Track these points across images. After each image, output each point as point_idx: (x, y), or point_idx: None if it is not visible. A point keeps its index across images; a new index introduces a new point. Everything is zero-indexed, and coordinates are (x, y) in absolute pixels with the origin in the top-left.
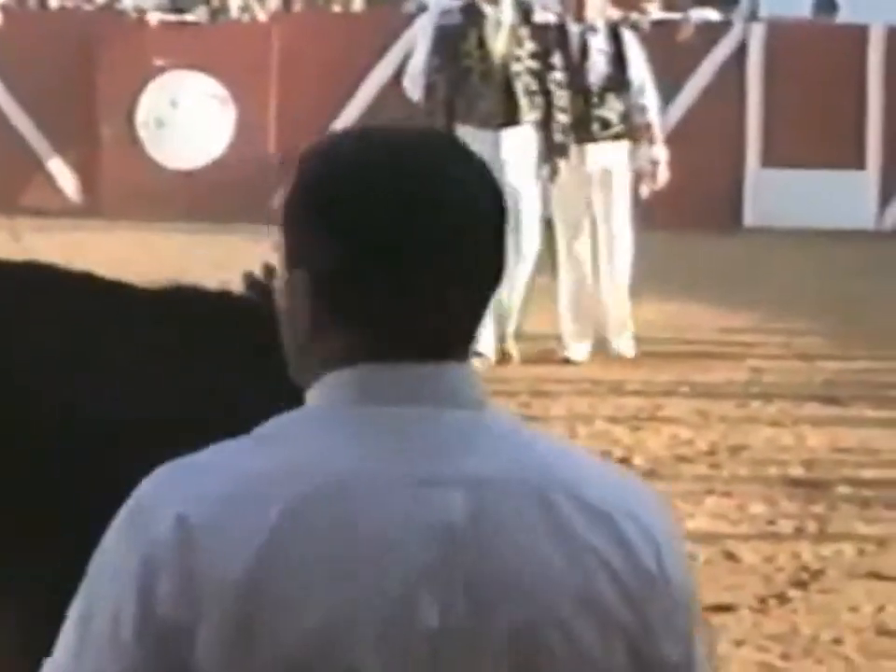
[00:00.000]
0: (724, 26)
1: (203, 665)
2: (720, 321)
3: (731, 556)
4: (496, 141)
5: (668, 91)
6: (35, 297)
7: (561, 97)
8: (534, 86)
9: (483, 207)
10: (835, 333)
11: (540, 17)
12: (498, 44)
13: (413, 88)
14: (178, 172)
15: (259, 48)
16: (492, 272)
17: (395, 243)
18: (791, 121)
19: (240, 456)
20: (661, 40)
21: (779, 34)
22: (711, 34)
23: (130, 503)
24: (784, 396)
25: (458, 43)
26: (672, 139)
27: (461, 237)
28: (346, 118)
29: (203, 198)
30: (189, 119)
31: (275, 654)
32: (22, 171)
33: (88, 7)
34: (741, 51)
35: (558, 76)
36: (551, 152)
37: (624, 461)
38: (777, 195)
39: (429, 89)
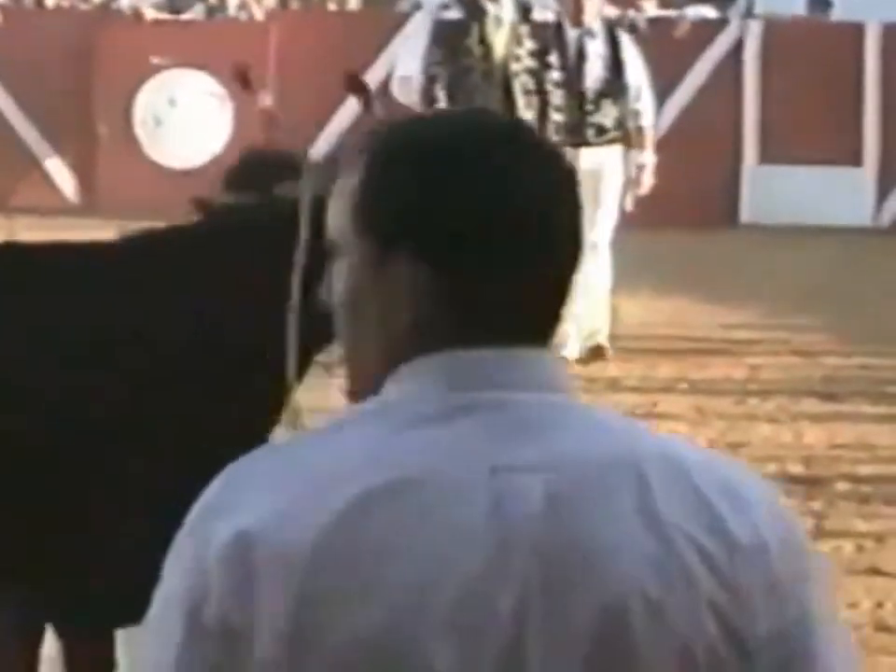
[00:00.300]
0: (721, 23)
1: (264, 664)
2: (717, 318)
3: None
4: None
5: (665, 88)
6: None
7: (557, 96)
8: (531, 85)
9: (562, 191)
10: (833, 329)
11: (539, 15)
12: (500, 42)
13: (407, 90)
14: (176, 170)
15: (256, 46)
16: (574, 256)
17: (487, 224)
18: (787, 118)
19: (312, 450)
20: (657, 38)
21: (776, 31)
22: (708, 31)
23: (199, 503)
24: (782, 392)
25: (459, 39)
26: (669, 136)
27: (547, 220)
28: (343, 115)
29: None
30: (186, 118)
31: (338, 645)
32: (19, 169)
33: (84, 6)
34: (738, 49)
35: (555, 75)
36: None
37: None
38: (774, 192)
39: (429, 80)
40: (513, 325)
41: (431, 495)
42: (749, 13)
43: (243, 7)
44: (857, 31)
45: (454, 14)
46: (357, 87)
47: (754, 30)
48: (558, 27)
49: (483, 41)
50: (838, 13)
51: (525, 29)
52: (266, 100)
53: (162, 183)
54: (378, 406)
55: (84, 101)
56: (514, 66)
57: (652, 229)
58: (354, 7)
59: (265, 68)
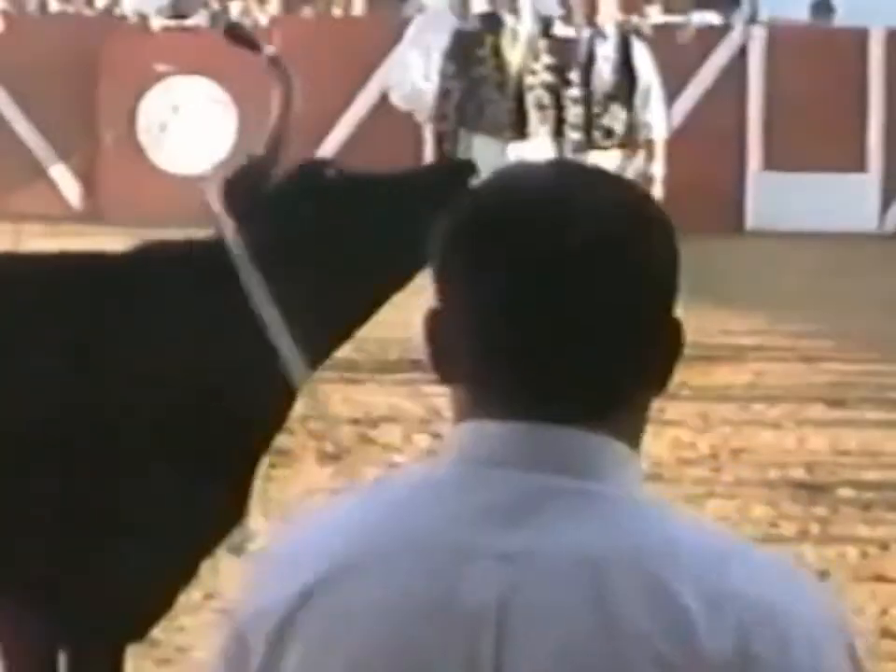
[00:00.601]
0: (725, 29)
1: None
2: (722, 324)
3: None
4: (503, 152)
5: (669, 94)
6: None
7: (576, 114)
8: (546, 100)
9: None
10: (837, 336)
11: (560, 31)
12: (515, 55)
13: (410, 99)
14: (180, 177)
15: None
16: (635, 332)
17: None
18: (792, 124)
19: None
20: (661, 43)
21: (780, 37)
22: (712, 37)
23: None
24: (786, 398)
25: (474, 49)
26: (673, 142)
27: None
28: (348, 121)
29: (204, 203)
30: (190, 124)
31: None
32: (24, 176)
33: (89, 13)
34: (742, 54)
35: (575, 92)
36: None
37: None
38: (779, 198)
39: (443, 94)
40: (545, 401)
41: (393, 567)
42: (752, 19)
43: (246, 13)
44: (861, 36)
45: (473, 25)
46: (240, 39)
47: (758, 36)
48: (577, 41)
49: (498, 53)
50: (841, 18)
51: (543, 43)
52: (270, 49)
53: (167, 189)
54: (409, 471)
55: (88, 108)
56: (529, 80)
57: None
58: (358, 12)
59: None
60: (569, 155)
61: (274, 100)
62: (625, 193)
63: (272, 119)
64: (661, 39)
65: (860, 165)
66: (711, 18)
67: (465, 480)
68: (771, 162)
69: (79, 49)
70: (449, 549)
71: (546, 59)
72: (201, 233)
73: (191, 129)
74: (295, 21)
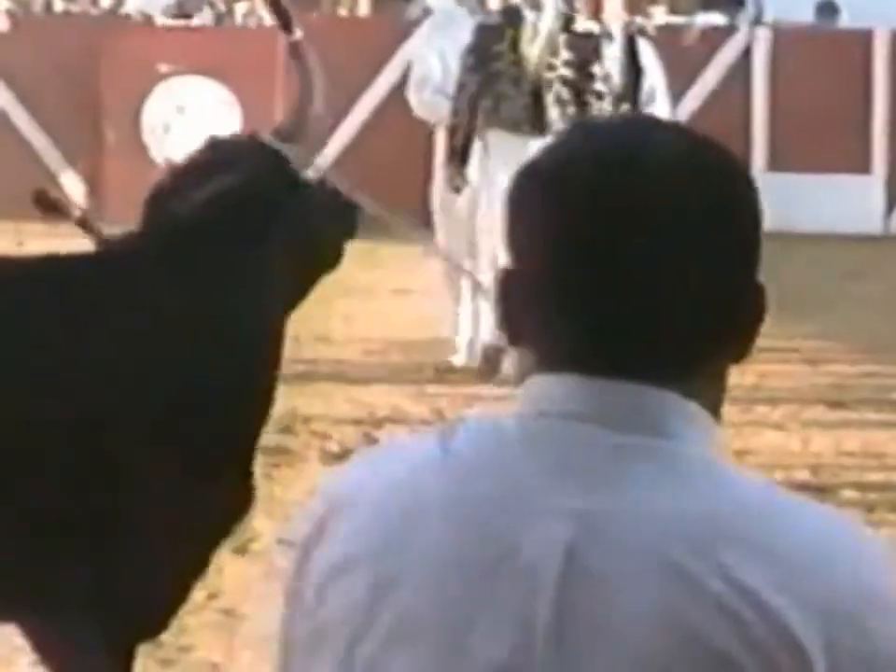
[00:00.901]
0: (729, 30)
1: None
2: None
3: None
4: (523, 148)
5: (673, 95)
6: None
7: (599, 107)
8: (566, 95)
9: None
10: (841, 337)
11: (582, 26)
12: (533, 50)
13: (425, 101)
14: None
15: (265, 52)
16: (718, 292)
17: (613, 229)
18: (796, 126)
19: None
20: (666, 44)
21: (785, 38)
22: (716, 38)
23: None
24: (789, 400)
25: (493, 44)
26: None
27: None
28: (353, 121)
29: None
30: (195, 125)
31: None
32: (28, 176)
33: (94, 12)
34: (746, 56)
35: (599, 86)
36: None
37: None
38: (783, 199)
39: (459, 88)
40: (619, 357)
41: (452, 516)
42: (757, 20)
43: (251, 13)
44: (866, 38)
45: (493, 20)
46: (277, 10)
47: (763, 37)
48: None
49: (516, 47)
50: (846, 20)
51: (563, 38)
52: (297, 34)
53: None
54: (482, 421)
55: (93, 107)
56: (548, 75)
57: None
58: (363, 13)
59: (274, 75)
60: None
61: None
62: (709, 146)
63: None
64: (665, 40)
65: (864, 167)
66: (716, 19)
67: (534, 434)
68: (775, 163)
69: (84, 49)
70: (514, 503)
71: (566, 54)
72: None
73: (196, 129)
74: (301, 22)
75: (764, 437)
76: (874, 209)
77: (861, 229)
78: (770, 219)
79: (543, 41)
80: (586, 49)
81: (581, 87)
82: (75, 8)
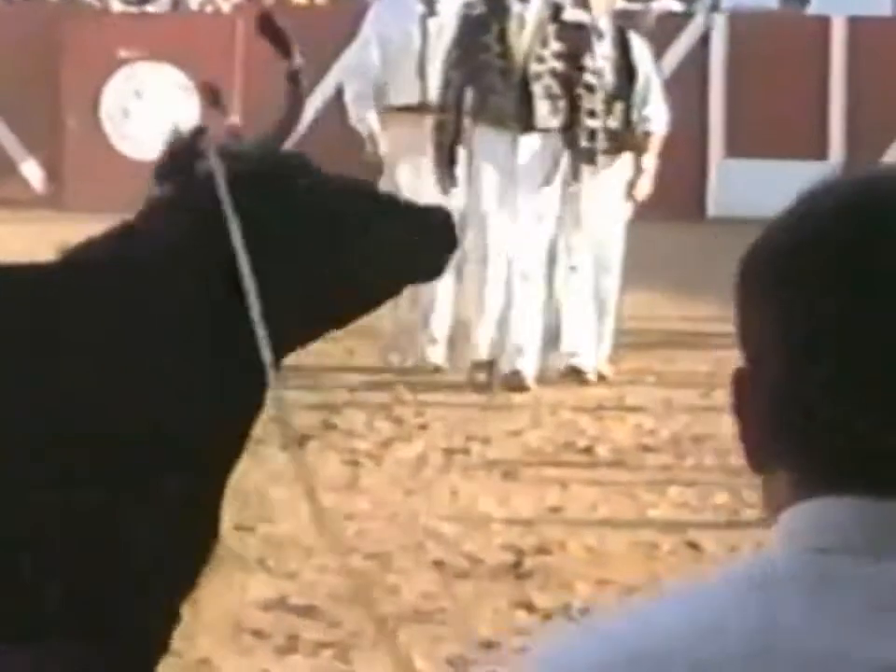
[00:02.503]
0: (686, 17)
1: None
2: (684, 310)
3: (694, 546)
4: (513, 145)
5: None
6: None
7: (590, 100)
8: (556, 89)
9: None
10: None
11: (571, 16)
12: (522, 41)
13: (357, 118)
14: (143, 163)
15: (223, 39)
16: None
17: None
18: (753, 112)
19: (649, 616)
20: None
21: (741, 24)
22: (674, 24)
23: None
24: None
25: (479, 36)
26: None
27: None
28: (309, 108)
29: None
30: (153, 110)
31: None
32: None
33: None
34: (703, 42)
35: (589, 78)
36: (575, 158)
37: (589, 450)
38: (741, 185)
39: (445, 84)
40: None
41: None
42: (714, 7)
43: (209, 1)
44: (823, 25)
45: (478, 10)
46: (272, 34)
47: (720, 23)
48: (591, 27)
49: (503, 39)
50: (813, 10)
51: (552, 29)
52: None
53: (130, 175)
54: (748, 562)
55: (51, 93)
56: (536, 67)
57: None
58: (321, 1)
59: (232, 61)
60: (584, 144)
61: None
62: None
63: (268, 131)
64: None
65: (821, 153)
66: (673, 5)
67: (818, 573)
68: (733, 150)
69: (42, 35)
70: (817, 656)
71: (556, 45)
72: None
73: (154, 115)
74: (258, 9)
75: (723, 422)
76: None
77: None
78: (727, 205)
79: (531, 32)
80: (576, 40)
81: (572, 79)
82: None
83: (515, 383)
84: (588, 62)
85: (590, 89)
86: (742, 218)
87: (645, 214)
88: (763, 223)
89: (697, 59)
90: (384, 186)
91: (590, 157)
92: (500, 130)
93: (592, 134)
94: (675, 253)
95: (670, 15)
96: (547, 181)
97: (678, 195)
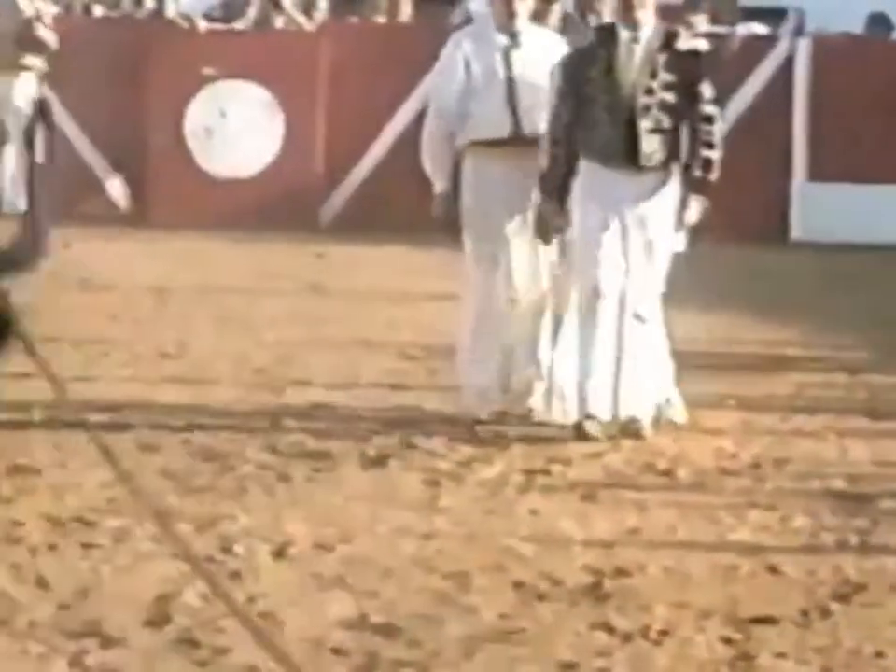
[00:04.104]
0: (771, 41)
1: None
2: (764, 334)
3: (773, 569)
4: (619, 182)
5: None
6: None
7: (708, 132)
8: (666, 122)
9: None
10: (880, 347)
11: (685, 44)
12: (629, 73)
13: (435, 139)
14: (226, 181)
15: (307, 57)
16: None
17: None
18: (837, 136)
19: None
20: (707, 54)
21: (825, 48)
22: (758, 48)
23: None
24: (828, 409)
25: (585, 67)
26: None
27: None
28: (394, 127)
29: (250, 207)
30: (237, 129)
31: None
32: (73, 180)
33: (137, 16)
34: (788, 66)
35: (708, 109)
36: (685, 189)
37: (668, 473)
38: (824, 209)
39: (555, 117)
40: None
41: None
42: (799, 31)
43: (291, 19)
44: None
45: (586, 40)
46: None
47: (804, 47)
48: (706, 54)
49: (610, 70)
50: None
51: (662, 58)
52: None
53: (213, 193)
54: None
55: (136, 111)
56: (644, 100)
57: (702, 244)
58: (405, 18)
59: (316, 79)
60: (697, 173)
61: None
62: None
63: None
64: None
65: None
66: (758, 29)
67: None
68: (816, 173)
69: (127, 52)
70: None
71: (666, 76)
72: (242, 237)
73: (238, 133)
74: (342, 27)
75: (802, 445)
76: None
77: None
78: (811, 228)
79: (639, 63)
80: (690, 69)
81: (683, 110)
82: (116, 13)
83: (633, 431)
84: (705, 90)
85: (708, 120)
86: (824, 243)
87: (728, 237)
88: (845, 247)
89: (781, 83)
90: (472, 225)
91: (702, 187)
92: (606, 166)
93: (707, 165)
94: (756, 276)
95: (754, 38)
96: (656, 215)
97: (760, 218)
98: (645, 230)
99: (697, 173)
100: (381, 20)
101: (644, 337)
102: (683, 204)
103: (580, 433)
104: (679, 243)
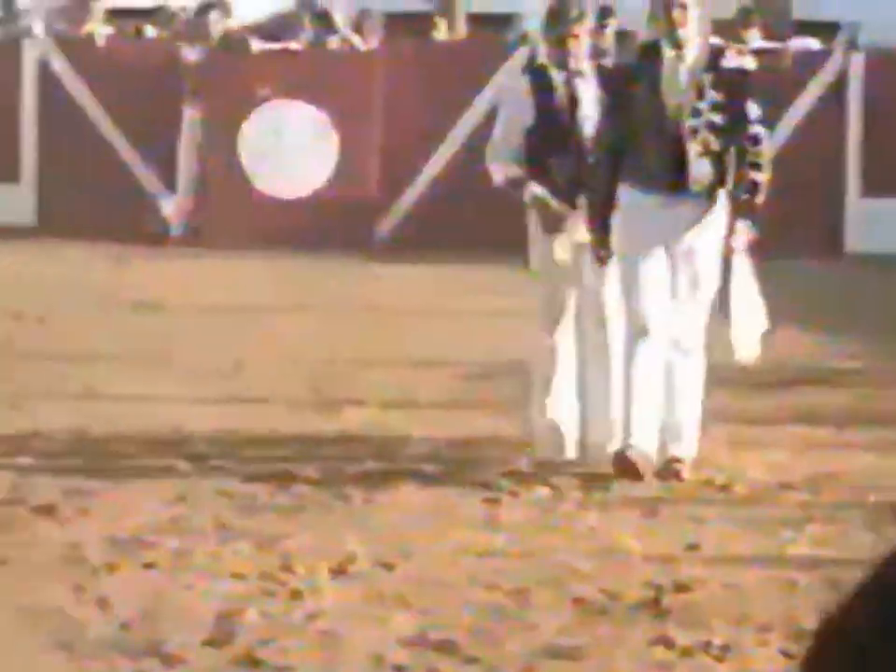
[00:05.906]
0: (824, 55)
1: None
2: (821, 347)
3: (833, 583)
4: (666, 212)
5: (768, 119)
6: None
7: (755, 154)
8: (716, 145)
9: None
10: None
11: (731, 62)
12: (675, 93)
13: (499, 165)
14: (281, 201)
15: (361, 76)
16: None
17: None
18: (891, 150)
19: None
20: (761, 69)
21: (880, 62)
22: (812, 63)
23: None
24: (885, 422)
25: (629, 87)
26: (773, 167)
27: None
28: (449, 146)
29: (305, 227)
30: (292, 149)
31: None
32: (128, 200)
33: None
34: (841, 80)
35: (755, 129)
36: (733, 213)
37: (726, 488)
38: (878, 223)
39: (598, 139)
40: None
41: None
42: (852, 45)
43: (344, 38)
44: None
45: (630, 58)
46: None
47: (857, 61)
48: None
49: (656, 90)
50: None
51: (708, 77)
52: None
53: (268, 213)
54: None
55: (191, 132)
56: (692, 122)
57: (755, 258)
58: (460, 37)
59: (371, 99)
60: (744, 196)
61: None
62: None
63: None
64: (760, 65)
65: None
66: (811, 44)
67: None
68: (870, 187)
69: (181, 74)
70: None
71: (713, 95)
72: (297, 257)
73: (293, 153)
74: (396, 46)
75: (859, 458)
76: None
77: None
78: (865, 241)
79: (685, 83)
80: (738, 88)
81: (732, 131)
82: (167, 34)
83: (674, 471)
84: (752, 110)
85: (755, 141)
86: (879, 256)
87: (781, 250)
88: None
89: (835, 97)
90: (539, 258)
91: (750, 211)
92: (649, 193)
93: (754, 187)
94: (811, 290)
95: (808, 53)
96: (703, 247)
97: (815, 232)
98: (692, 263)
99: (744, 196)
100: (435, 39)
101: (688, 372)
102: (730, 230)
103: (622, 464)
104: (762, 322)
